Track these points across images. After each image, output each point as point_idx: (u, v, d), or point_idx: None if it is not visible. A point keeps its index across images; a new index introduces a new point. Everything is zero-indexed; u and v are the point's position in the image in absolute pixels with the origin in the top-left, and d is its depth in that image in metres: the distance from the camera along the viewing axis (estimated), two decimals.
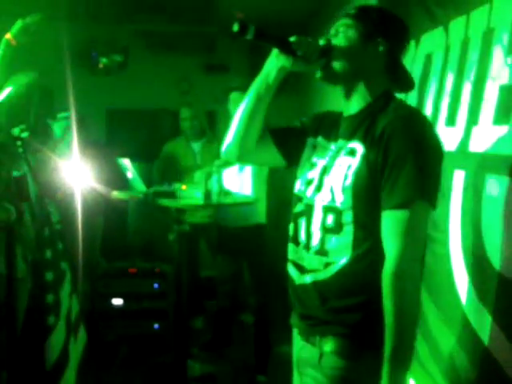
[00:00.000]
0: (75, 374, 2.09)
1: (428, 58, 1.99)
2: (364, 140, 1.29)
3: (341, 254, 1.29)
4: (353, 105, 1.36)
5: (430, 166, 1.24)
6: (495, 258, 1.41)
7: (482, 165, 1.51)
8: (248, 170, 3.23)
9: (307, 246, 1.36)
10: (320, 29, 4.26)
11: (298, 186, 1.44)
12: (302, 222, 1.39)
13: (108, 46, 4.67)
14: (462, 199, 1.62)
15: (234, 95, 3.30)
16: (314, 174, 1.39)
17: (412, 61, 2.11)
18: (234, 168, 3.19)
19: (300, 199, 1.42)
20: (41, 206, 1.99)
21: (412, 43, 2.14)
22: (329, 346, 1.31)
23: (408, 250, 1.20)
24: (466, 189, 1.61)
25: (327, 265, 1.31)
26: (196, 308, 3.75)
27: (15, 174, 2.54)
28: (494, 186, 1.45)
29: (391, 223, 1.23)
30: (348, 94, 1.36)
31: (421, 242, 1.24)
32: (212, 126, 4.14)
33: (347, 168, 1.29)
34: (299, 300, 1.39)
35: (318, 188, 1.36)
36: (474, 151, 1.58)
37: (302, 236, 1.38)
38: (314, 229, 1.35)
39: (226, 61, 4.78)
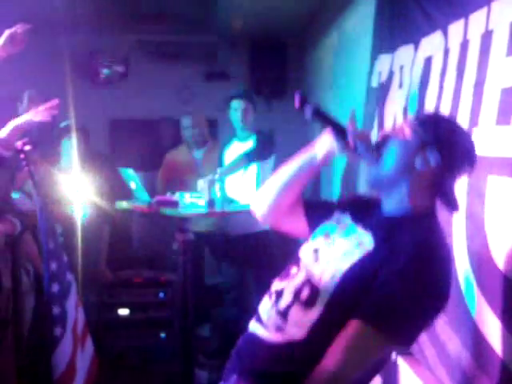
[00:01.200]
0: None
1: (428, 62, 1.99)
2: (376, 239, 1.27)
3: (297, 329, 1.27)
4: (389, 203, 1.33)
5: (418, 310, 1.18)
6: (500, 259, 1.41)
7: (484, 166, 1.50)
8: (252, 176, 3.24)
9: (275, 303, 1.35)
10: (317, 35, 4.28)
11: (306, 248, 1.42)
12: (287, 280, 1.37)
13: (109, 57, 4.69)
14: (466, 201, 1.62)
15: (234, 103, 3.32)
16: (322, 246, 1.37)
17: (412, 64, 2.11)
18: (238, 175, 3.20)
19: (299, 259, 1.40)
20: (45, 218, 1.99)
21: (411, 47, 2.15)
22: None
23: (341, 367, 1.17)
24: (468, 191, 1.61)
25: (279, 330, 1.31)
26: (202, 316, 3.75)
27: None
28: (496, 188, 1.45)
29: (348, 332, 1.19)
30: (388, 192, 1.33)
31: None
32: (213, 134, 4.14)
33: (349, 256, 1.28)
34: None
35: (317, 259, 1.34)
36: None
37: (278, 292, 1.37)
38: (287, 292, 1.34)
39: (226, 69, 4.80)
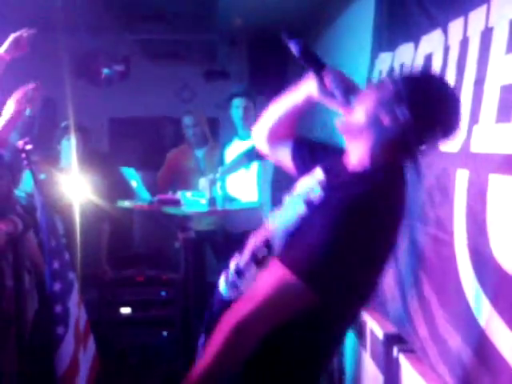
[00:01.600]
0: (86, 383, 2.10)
1: (428, 59, 2.00)
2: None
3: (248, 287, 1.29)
4: (353, 154, 1.32)
5: (336, 261, 1.16)
6: (502, 257, 1.41)
7: (485, 164, 1.51)
8: (253, 174, 3.24)
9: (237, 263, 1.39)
10: (317, 33, 4.28)
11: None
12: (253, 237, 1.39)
13: (109, 57, 4.70)
14: (467, 199, 1.62)
15: (235, 101, 3.32)
16: (283, 205, 1.39)
17: (412, 62, 2.12)
18: (239, 174, 3.20)
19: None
20: (46, 216, 2.00)
21: (411, 45, 2.15)
22: None
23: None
24: (469, 188, 1.61)
25: (235, 287, 1.35)
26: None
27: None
28: (497, 186, 1.45)
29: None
30: (353, 141, 1.31)
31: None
32: (214, 132, 4.15)
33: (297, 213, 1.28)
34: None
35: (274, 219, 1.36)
36: (476, 151, 1.59)
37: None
38: (247, 252, 1.37)
39: (226, 68, 4.80)
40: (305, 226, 1.24)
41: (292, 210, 1.32)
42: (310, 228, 1.21)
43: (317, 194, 1.30)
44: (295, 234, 1.25)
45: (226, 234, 3.36)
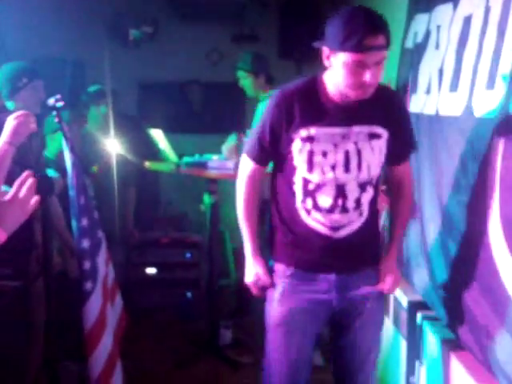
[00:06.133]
0: (112, 339, 2.15)
1: (467, 21, 1.92)
2: None
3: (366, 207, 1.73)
4: None
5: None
6: None
7: None
8: None
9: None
10: None
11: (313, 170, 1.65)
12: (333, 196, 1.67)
13: (138, 18, 4.65)
14: (501, 167, 1.58)
15: (239, 73, 3.26)
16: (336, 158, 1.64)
17: (450, 23, 2.04)
18: None
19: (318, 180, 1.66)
20: (76, 174, 2.02)
21: (450, 5, 2.06)
22: None
23: None
24: (504, 156, 1.56)
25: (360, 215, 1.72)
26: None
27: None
28: None
29: None
30: None
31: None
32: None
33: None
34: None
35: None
36: None
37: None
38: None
39: (255, 31, 4.71)
40: None
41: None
42: None
43: None
44: None
45: None
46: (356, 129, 1.64)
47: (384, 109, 1.67)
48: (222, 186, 2.92)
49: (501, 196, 1.57)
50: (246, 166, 1.80)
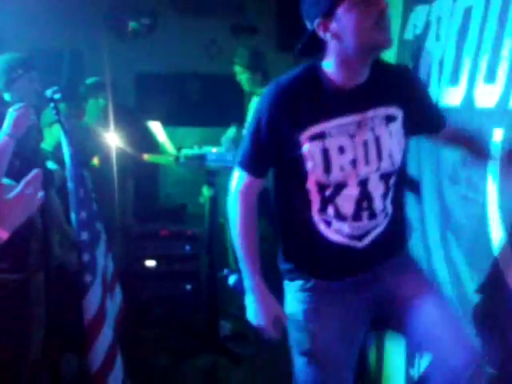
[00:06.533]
0: (112, 331, 2.15)
1: (467, 12, 1.91)
2: None
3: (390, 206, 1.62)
4: None
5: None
6: None
7: None
8: None
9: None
10: None
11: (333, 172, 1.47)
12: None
13: (136, 10, 4.63)
14: (501, 158, 1.57)
15: (235, 67, 3.25)
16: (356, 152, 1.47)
17: (450, 15, 2.03)
18: None
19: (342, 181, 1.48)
20: (75, 166, 2.01)
21: None
22: None
23: None
24: (504, 147, 1.56)
25: (386, 216, 1.60)
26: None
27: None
28: None
29: None
30: None
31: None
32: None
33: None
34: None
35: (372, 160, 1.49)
36: None
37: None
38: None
39: (254, 23, 4.70)
40: None
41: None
42: None
43: None
44: None
45: None
46: (370, 113, 1.45)
47: (395, 86, 1.51)
48: (221, 179, 2.92)
49: (500, 187, 1.57)
50: (239, 180, 1.55)
